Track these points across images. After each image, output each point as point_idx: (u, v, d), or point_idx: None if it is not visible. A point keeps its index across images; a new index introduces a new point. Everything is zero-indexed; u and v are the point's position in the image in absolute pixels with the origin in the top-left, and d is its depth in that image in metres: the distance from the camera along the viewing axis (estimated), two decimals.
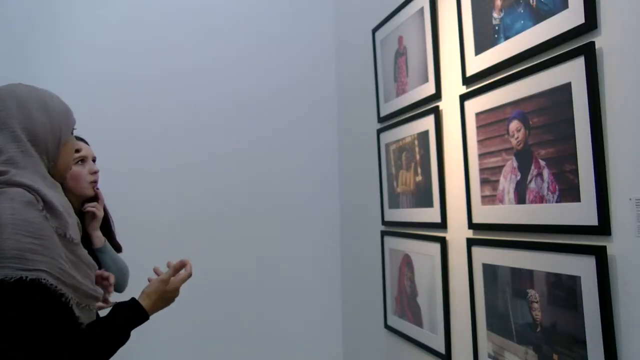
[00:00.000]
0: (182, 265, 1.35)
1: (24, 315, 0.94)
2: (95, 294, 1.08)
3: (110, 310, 1.18)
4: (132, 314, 1.20)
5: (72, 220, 1.10)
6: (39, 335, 0.95)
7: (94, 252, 1.73)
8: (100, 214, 1.73)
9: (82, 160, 1.70)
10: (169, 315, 2.43)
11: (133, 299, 1.24)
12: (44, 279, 0.96)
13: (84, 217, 1.73)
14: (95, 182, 1.71)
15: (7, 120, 1.06)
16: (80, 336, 1.05)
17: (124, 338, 1.15)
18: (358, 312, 2.51)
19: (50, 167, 1.11)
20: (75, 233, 1.08)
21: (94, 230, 1.74)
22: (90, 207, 1.71)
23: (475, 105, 1.49)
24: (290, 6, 2.75)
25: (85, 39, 2.45)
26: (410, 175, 1.91)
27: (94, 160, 1.76)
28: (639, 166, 1.01)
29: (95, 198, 1.75)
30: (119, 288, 1.85)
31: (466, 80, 1.53)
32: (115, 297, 1.84)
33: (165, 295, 1.29)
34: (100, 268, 1.74)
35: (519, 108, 1.31)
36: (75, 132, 1.77)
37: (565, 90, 1.16)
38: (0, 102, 1.07)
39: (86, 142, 1.78)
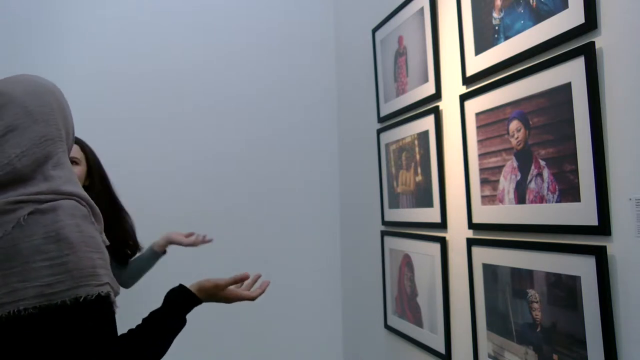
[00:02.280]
0: (240, 278, 1.32)
1: (101, 328, 0.96)
2: (119, 290, 1.10)
3: (165, 300, 1.21)
4: (187, 302, 1.22)
5: None
6: (106, 344, 0.96)
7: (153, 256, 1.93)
8: (184, 243, 1.95)
9: None
10: None
11: (183, 287, 1.24)
12: (111, 292, 0.98)
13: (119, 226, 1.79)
14: None
15: (52, 117, 1.03)
16: (134, 333, 1.08)
17: (181, 324, 1.18)
18: (358, 312, 2.51)
19: None
20: (104, 235, 1.09)
21: (168, 241, 1.93)
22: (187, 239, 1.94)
23: (475, 105, 1.49)
24: (290, 6, 2.75)
25: (84, 39, 2.45)
26: (410, 175, 1.91)
27: (73, 162, 1.70)
28: (639, 166, 1.01)
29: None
30: (131, 286, 1.91)
31: (466, 80, 1.53)
32: (126, 297, 1.87)
33: (216, 298, 1.28)
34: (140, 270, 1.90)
35: (519, 108, 1.31)
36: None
37: (565, 90, 1.16)
38: (45, 98, 1.04)
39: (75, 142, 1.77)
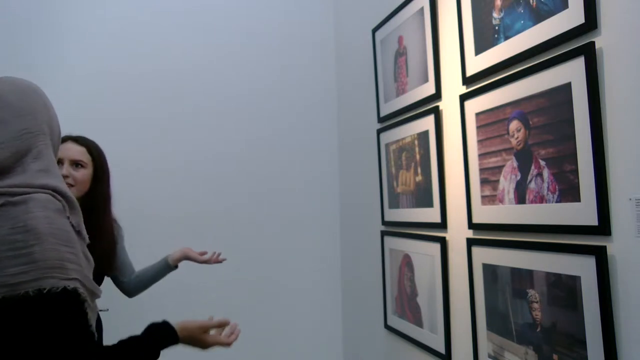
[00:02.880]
0: (224, 323, 1.34)
1: (66, 324, 0.94)
2: (98, 292, 1.08)
3: (146, 329, 1.19)
4: (166, 339, 1.21)
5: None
6: (71, 342, 0.94)
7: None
8: (200, 261, 1.97)
9: (59, 161, 1.65)
10: (167, 312, 2.43)
11: (168, 324, 1.23)
12: (80, 288, 0.96)
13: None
14: None
15: (36, 113, 1.05)
16: (113, 349, 1.06)
17: (155, 356, 1.16)
18: (358, 312, 2.51)
19: None
20: (85, 231, 1.08)
21: (185, 257, 1.95)
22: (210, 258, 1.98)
23: (475, 105, 1.49)
24: (290, 6, 2.75)
25: (84, 39, 2.45)
26: (410, 175, 1.91)
27: (78, 164, 1.69)
28: (639, 166, 1.01)
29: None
30: (135, 295, 1.92)
31: (466, 80, 1.53)
32: (122, 301, 1.87)
33: (195, 340, 1.27)
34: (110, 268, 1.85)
35: (519, 108, 1.31)
36: (75, 131, 1.78)
37: (565, 90, 1.16)
38: (27, 95, 1.05)
39: (80, 142, 1.73)
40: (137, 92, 2.49)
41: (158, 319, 1.28)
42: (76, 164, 1.68)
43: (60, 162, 1.65)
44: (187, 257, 1.95)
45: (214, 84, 2.61)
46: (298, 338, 2.63)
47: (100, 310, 1.70)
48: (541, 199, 1.24)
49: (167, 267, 1.93)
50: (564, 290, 1.17)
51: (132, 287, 1.90)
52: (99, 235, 1.76)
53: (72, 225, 1.01)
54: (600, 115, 1.08)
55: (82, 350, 0.94)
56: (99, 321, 1.82)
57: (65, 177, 1.65)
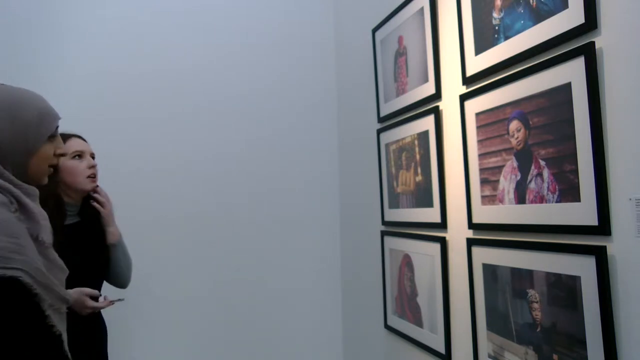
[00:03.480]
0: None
1: (11, 316, 0.91)
2: (67, 297, 1.06)
3: None
4: None
5: (46, 223, 1.08)
6: (14, 334, 0.91)
7: (107, 248, 1.80)
8: (104, 209, 1.80)
9: (80, 155, 1.75)
10: (168, 313, 2.44)
11: None
12: (21, 277, 0.93)
13: (96, 216, 1.78)
14: (92, 176, 1.76)
15: None
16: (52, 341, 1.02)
17: None
18: (358, 312, 2.51)
19: (18, 176, 1.07)
20: (47, 236, 1.06)
21: (108, 226, 1.80)
22: (94, 203, 1.79)
23: (475, 105, 1.49)
24: (290, 6, 2.75)
25: (84, 39, 2.45)
26: (410, 175, 1.91)
27: (92, 157, 1.80)
28: (639, 166, 1.01)
29: (92, 197, 1.80)
30: (125, 283, 1.89)
31: (466, 80, 1.53)
32: (118, 292, 1.86)
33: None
34: (108, 263, 1.81)
35: (519, 108, 1.31)
36: (75, 130, 1.79)
37: (565, 90, 1.16)
38: None
39: (83, 139, 1.81)
40: (137, 92, 2.49)
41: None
42: (93, 158, 1.80)
43: (80, 155, 1.75)
44: (100, 216, 1.83)
45: (214, 84, 2.61)
46: (298, 338, 2.63)
47: (119, 300, 1.70)
48: (541, 199, 1.24)
49: (111, 246, 1.83)
50: (564, 290, 1.17)
51: (114, 278, 1.86)
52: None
53: (27, 229, 1.00)
54: (600, 115, 1.08)
55: (17, 341, 0.90)
56: (102, 323, 1.81)
57: (93, 167, 1.77)
